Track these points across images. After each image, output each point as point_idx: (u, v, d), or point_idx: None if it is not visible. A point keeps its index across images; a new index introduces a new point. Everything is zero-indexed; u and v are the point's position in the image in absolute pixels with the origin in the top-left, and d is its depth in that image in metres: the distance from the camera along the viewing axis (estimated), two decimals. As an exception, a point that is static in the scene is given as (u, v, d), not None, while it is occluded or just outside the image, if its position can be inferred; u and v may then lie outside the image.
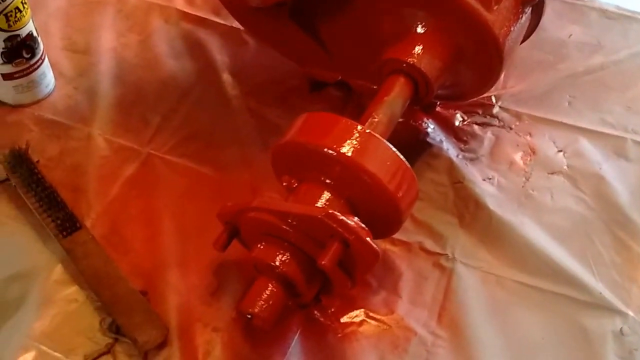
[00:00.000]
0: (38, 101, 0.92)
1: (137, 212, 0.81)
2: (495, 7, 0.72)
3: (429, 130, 0.87)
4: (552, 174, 0.84)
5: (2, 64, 0.86)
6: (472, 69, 0.77)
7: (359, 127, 0.65)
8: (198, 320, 0.71)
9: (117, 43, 1.02)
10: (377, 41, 0.78)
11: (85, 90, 0.95)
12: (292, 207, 0.63)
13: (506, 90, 0.93)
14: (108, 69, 0.98)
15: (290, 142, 0.67)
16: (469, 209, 0.80)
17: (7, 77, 0.88)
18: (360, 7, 0.79)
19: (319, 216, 0.60)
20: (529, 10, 0.78)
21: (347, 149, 0.64)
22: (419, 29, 0.74)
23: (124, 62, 0.99)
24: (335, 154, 0.64)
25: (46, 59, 0.92)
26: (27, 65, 0.88)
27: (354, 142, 0.64)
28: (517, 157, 0.86)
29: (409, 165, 0.67)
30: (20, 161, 0.81)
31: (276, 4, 0.81)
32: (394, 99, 0.73)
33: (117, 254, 0.76)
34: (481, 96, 0.89)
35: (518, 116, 0.91)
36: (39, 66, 0.90)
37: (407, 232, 0.77)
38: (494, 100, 0.92)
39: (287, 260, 0.63)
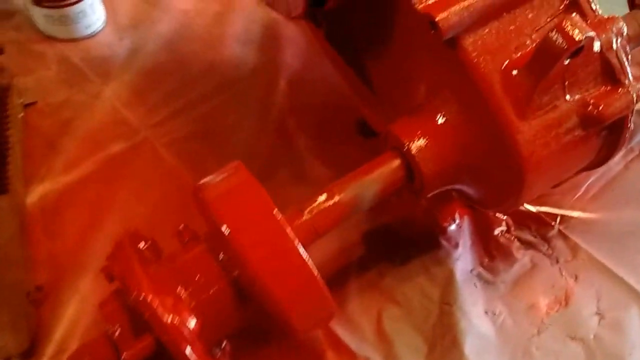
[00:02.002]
0: (74, 40, 0.95)
1: (92, 196, 0.81)
2: (532, 115, 0.61)
3: (450, 228, 0.80)
4: (572, 338, 0.74)
5: (34, -15, 0.89)
6: (487, 182, 0.69)
7: (275, 212, 0.59)
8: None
9: (192, 6, 1.03)
10: (414, 100, 0.71)
11: (128, 45, 0.97)
12: (130, 276, 0.58)
13: (580, 214, 0.82)
14: (166, 31, 0.99)
15: (200, 190, 0.63)
16: (443, 342, 0.73)
17: (36, 2, 0.90)
18: (401, 54, 0.73)
19: (135, 294, 0.56)
20: (600, 134, 0.67)
21: (244, 236, 0.58)
22: (440, 116, 0.66)
23: (189, 30, 0.99)
24: (228, 234, 0.58)
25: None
26: (60, -3, 0.90)
27: (257, 230, 0.59)
28: (544, 301, 0.76)
29: (318, 278, 0.59)
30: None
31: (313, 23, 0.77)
32: (372, 181, 0.67)
33: (43, 235, 0.77)
34: (543, 210, 0.81)
35: (574, 250, 0.80)
36: (76, 2, 0.91)
37: (362, 340, 0.72)
38: (557, 220, 0.82)
39: (119, 333, 0.59)
